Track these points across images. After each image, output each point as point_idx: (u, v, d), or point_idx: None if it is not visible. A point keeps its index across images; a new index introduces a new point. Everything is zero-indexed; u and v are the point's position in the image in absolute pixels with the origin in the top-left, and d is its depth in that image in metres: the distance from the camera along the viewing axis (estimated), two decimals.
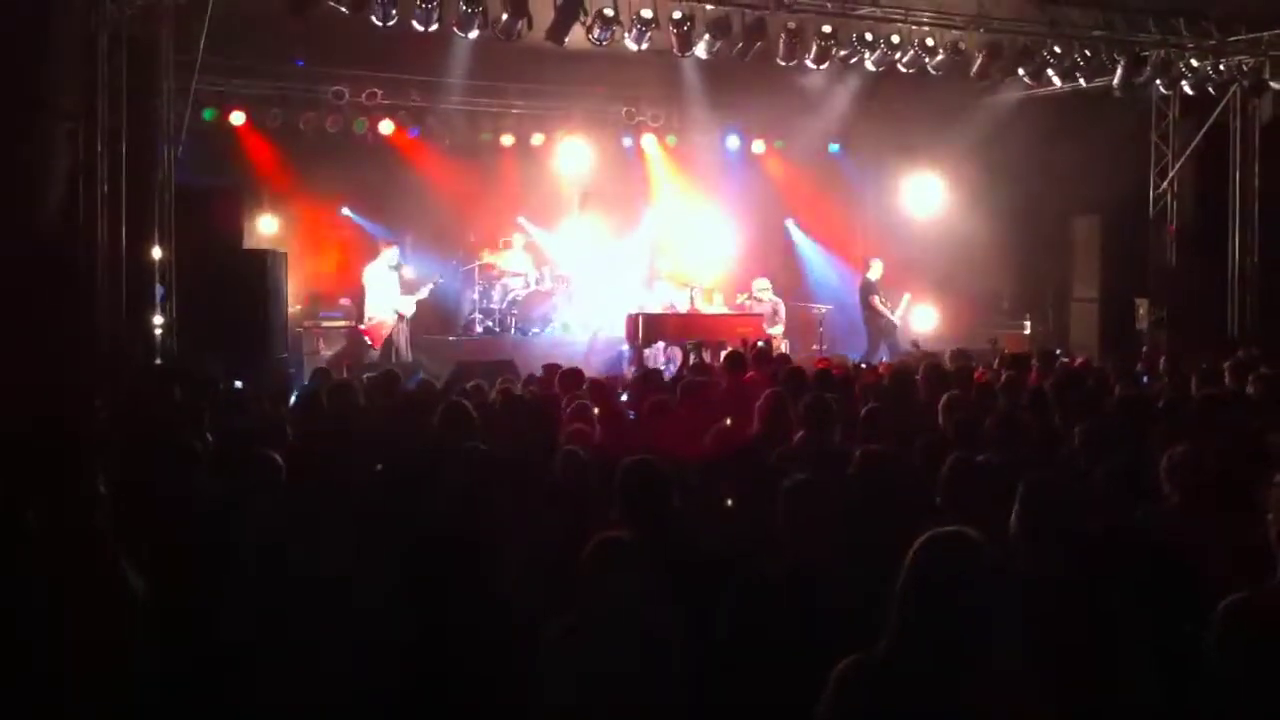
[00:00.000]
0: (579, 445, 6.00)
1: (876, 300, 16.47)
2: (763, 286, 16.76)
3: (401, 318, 15.21)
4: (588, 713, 3.49)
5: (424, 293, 15.51)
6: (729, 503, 5.07)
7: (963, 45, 12.92)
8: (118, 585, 3.79)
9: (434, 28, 11.37)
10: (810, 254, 19.16)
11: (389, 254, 15.25)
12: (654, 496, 4.56)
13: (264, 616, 3.87)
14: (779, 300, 16.75)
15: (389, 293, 15.17)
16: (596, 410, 7.20)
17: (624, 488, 4.58)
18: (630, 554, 3.68)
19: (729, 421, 6.90)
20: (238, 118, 15.68)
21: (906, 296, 16.74)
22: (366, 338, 15.22)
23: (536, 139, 17.55)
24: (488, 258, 16.89)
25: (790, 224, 19.16)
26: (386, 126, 16.52)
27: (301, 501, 4.89)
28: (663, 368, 13.66)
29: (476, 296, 16.57)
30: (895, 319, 16.49)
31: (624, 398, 9.02)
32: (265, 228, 16.07)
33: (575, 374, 8.85)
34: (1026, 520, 4.06)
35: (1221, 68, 13.96)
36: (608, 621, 3.57)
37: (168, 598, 3.89)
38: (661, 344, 15.32)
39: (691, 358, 13.14)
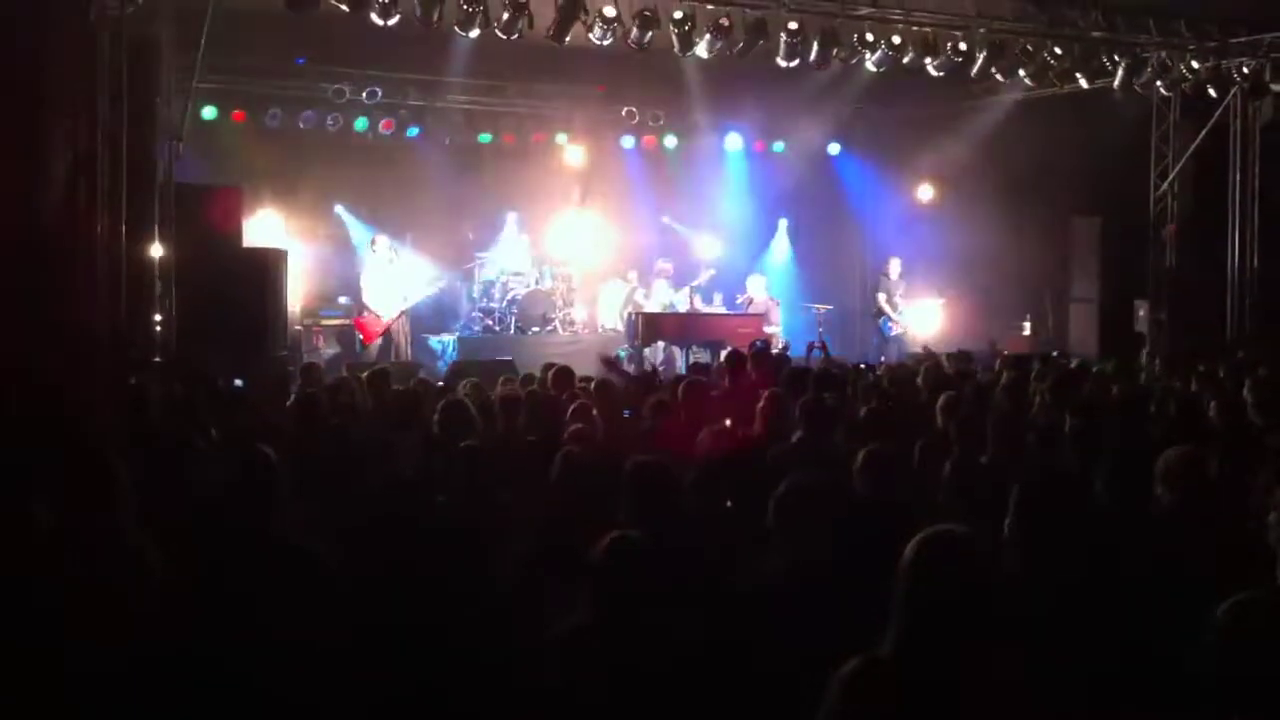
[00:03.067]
0: (580, 445, 5.98)
1: (882, 299, 16.52)
2: (758, 285, 16.76)
3: (402, 314, 15.22)
4: (596, 713, 3.42)
5: (426, 290, 15.54)
6: (728, 505, 5.04)
7: (963, 46, 12.90)
8: (142, 578, 3.78)
9: (434, 26, 11.35)
10: (809, 254, 19.15)
11: (381, 243, 15.28)
12: (663, 497, 4.48)
13: (262, 612, 3.83)
14: (772, 299, 16.77)
15: (386, 286, 15.17)
16: (596, 411, 7.18)
17: (632, 487, 4.49)
18: (645, 553, 3.61)
19: (728, 422, 6.88)
20: (238, 116, 15.67)
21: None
22: (358, 331, 15.22)
23: (536, 138, 17.54)
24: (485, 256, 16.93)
25: (785, 223, 19.12)
26: (386, 125, 16.53)
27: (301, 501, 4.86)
28: (660, 368, 13.63)
29: (476, 295, 16.57)
30: (900, 319, 16.52)
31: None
32: (265, 226, 16.06)
33: (566, 373, 8.76)
34: (1020, 523, 4.06)
35: (1222, 69, 13.96)
36: (621, 621, 3.51)
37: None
38: (661, 344, 15.33)
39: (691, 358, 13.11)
